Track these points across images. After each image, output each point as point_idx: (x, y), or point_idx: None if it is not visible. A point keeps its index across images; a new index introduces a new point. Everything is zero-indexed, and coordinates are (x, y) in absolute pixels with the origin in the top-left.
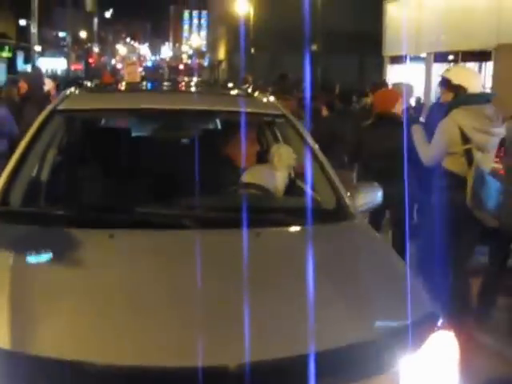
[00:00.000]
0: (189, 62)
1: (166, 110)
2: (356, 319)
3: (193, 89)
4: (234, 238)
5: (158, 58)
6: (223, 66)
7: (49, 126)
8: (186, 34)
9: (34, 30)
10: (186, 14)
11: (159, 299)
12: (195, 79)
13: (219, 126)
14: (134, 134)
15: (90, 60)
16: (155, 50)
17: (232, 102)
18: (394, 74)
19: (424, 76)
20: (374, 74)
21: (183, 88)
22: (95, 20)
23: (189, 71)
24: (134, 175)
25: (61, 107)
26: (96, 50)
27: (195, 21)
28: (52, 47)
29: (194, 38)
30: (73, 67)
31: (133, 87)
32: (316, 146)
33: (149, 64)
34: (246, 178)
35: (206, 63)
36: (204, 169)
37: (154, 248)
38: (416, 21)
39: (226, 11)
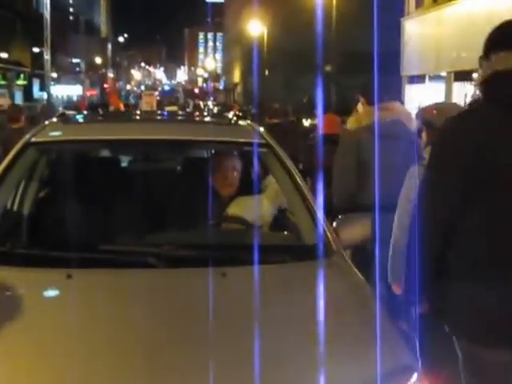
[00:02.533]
0: (204, 85)
1: (142, 141)
2: (315, 377)
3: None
4: (198, 278)
5: (173, 82)
6: (238, 88)
7: (21, 158)
8: (201, 56)
9: (47, 56)
10: (201, 36)
11: (107, 347)
12: (210, 103)
13: (200, 156)
14: (107, 166)
15: (105, 85)
16: (171, 74)
17: (213, 132)
18: (412, 94)
19: (444, 95)
20: (391, 94)
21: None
22: (109, 45)
23: (204, 95)
24: (104, 209)
25: (34, 139)
26: (111, 75)
27: (210, 43)
28: (67, 73)
29: (209, 61)
30: (88, 93)
31: (117, 117)
32: (299, 178)
33: (166, 88)
34: (231, 209)
35: (221, 86)
36: (183, 201)
37: (113, 290)
38: (435, 38)
39: (240, 33)
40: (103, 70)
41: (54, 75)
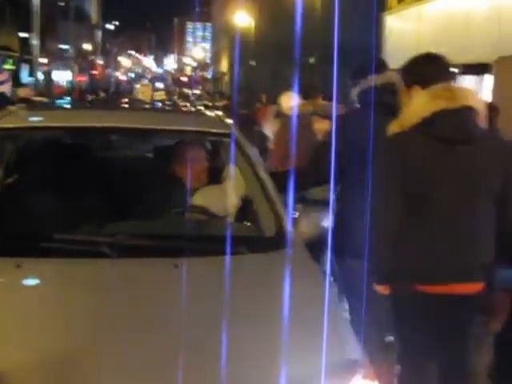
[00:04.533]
0: (192, 74)
1: (103, 128)
2: (259, 370)
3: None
4: (149, 269)
5: (162, 70)
6: (226, 78)
7: None
8: (189, 46)
9: (35, 42)
10: (190, 26)
11: (50, 337)
12: (197, 91)
13: (163, 145)
14: (66, 154)
15: (94, 72)
16: (160, 62)
17: (176, 121)
18: None
19: None
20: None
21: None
22: (99, 32)
23: (191, 83)
24: (62, 197)
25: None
26: (100, 62)
27: (199, 33)
28: (57, 59)
29: (198, 51)
30: (77, 79)
31: (83, 104)
32: (261, 169)
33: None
34: (195, 199)
35: (209, 75)
36: (144, 191)
37: (60, 279)
38: (415, 33)
39: (227, 24)
40: (92, 57)
41: (44, 61)
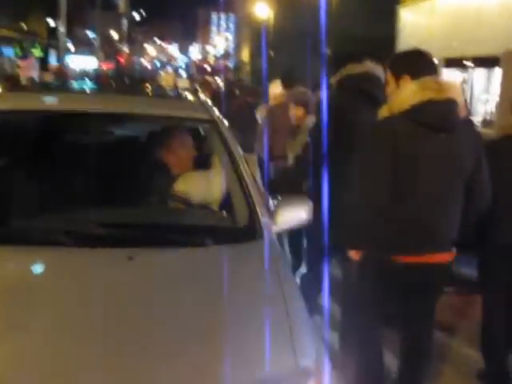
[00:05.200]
0: (215, 63)
1: (81, 112)
2: (200, 375)
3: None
4: (102, 260)
5: (186, 58)
6: (247, 67)
7: None
8: (213, 35)
9: (61, 28)
10: (214, 16)
11: None
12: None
13: (143, 131)
14: (39, 138)
15: (120, 59)
16: (184, 50)
17: (155, 105)
18: None
19: None
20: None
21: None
22: (125, 21)
23: (214, 72)
24: (28, 184)
25: None
26: (126, 49)
27: (223, 23)
28: (84, 46)
29: (221, 40)
30: (103, 66)
31: (64, 87)
32: (239, 156)
33: (181, 65)
34: (178, 186)
35: (231, 65)
36: (121, 177)
37: (11, 268)
38: (428, 27)
39: (248, 15)
40: (118, 45)
41: (71, 47)
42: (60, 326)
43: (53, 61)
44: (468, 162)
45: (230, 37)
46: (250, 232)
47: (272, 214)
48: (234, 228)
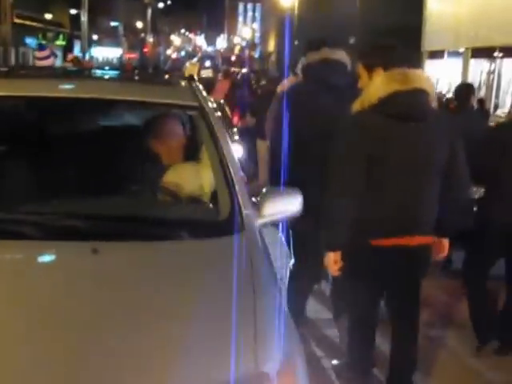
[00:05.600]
0: (241, 53)
1: (55, 99)
2: (145, 373)
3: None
4: (65, 253)
5: (212, 48)
6: (272, 57)
7: None
8: (240, 26)
9: (84, 18)
10: (241, 6)
11: None
12: (244, 70)
13: (125, 118)
14: (15, 126)
15: (145, 50)
16: (211, 41)
17: (139, 91)
18: (432, 69)
19: (461, 72)
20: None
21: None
22: (149, 11)
23: (240, 62)
24: (6, 173)
25: None
26: (150, 40)
27: (250, 13)
28: (108, 36)
29: (246, 30)
30: (127, 56)
31: (43, 73)
32: (226, 146)
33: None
34: (168, 177)
35: (256, 55)
36: (105, 167)
37: None
38: (455, 15)
39: (274, 4)
40: (142, 35)
41: (95, 37)
42: (15, 318)
43: (77, 51)
44: (440, 149)
45: (257, 27)
46: (230, 225)
47: (258, 206)
48: (213, 221)
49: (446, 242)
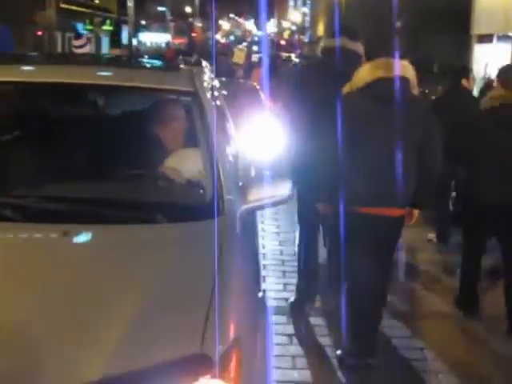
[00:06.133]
0: (290, 37)
1: (51, 84)
2: (87, 357)
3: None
4: (37, 236)
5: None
6: (321, 42)
7: None
8: (290, 10)
9: (130, 3)
10: None
11: None
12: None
13: (119, 103)
14: (16, 111)
15: (193, 34)
16: (261, 25)
17: (134, 77)
18: (480, 54)
19: (510, 56)
20: (460, 54)
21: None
22: None
23: (289, 47)
24: (6, 156)
25: None
26: (199, 24)
27: None
28: (156, 21)
29: (296, 14)
30: (175, 41)
31: (50, 59)
32: (217, 133)
33: (256, 39)
34: (168, 162)
35: (306, 39)
36: (97, 151)
37: None
38: None
39: None
40: (191, 19)
41: (143, 22)
42: None
43: (125, 37)
44: (416, 130)
45: (307, 11)
46: (207, 210)
47: (244, 191)
48: (190, 206)
49: (415, 212)
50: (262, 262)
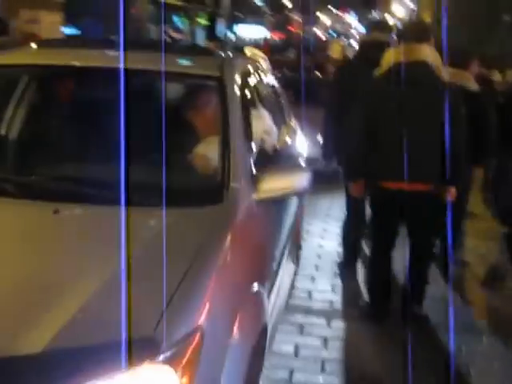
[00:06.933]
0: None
1: (76, 68)
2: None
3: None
4: (27, 213)
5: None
6: None
7: None
8: (393, 3)
9: None
10: None
11: None
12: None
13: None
14: (44, 93)
15: (291, 28)
16: (362, 19)
17: (159, 61)
18: None
19: None
20: None
21: None
22: None
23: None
24: (30, 137)
25: None
26: (298, 18)
27: None
28: (253, 14)
29: (399, 8)
30: (275, 36)
31: (92, 43)
32: (234, 118)
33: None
34: (198, 148)
35: None
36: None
37: None
38: None
39: None
40: (289, 14)
41: (239, 16)
42: None
43: (221, 30)
44: (439, 110)
45: (411, 4)
46: (207, 197)
47: (258, 181)
48: (192, 191)
49: (452, 189)
50: (316, 261)
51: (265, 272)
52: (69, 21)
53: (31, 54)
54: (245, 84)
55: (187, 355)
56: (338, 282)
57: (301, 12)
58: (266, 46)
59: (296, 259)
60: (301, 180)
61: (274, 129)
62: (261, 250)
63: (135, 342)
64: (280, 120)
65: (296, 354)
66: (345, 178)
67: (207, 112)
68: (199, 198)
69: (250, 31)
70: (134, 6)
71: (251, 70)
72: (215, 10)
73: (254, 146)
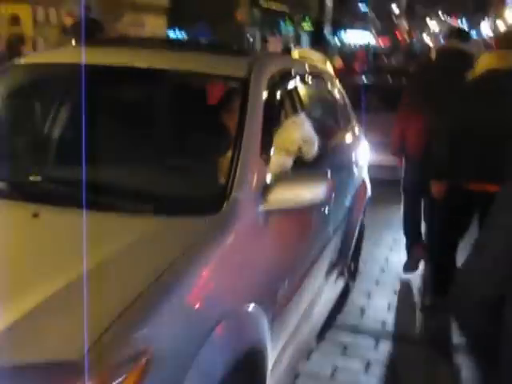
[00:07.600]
0: None
1: (113, 68)
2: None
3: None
4: (8, 214)
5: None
6: None
7: (3, 77)
8: (508, 9)
9: (329, 3)
10: None
11: None
12: None
13: (167, 88)
14: (77, 94)
15: (396, 34)
16: (474, 25)
17: (189, 62)
18: None
19: None
20: None
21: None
22: None
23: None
24: (49, 139)
25: (22, 61)
26: (405, 24)
27: None
28: (359, 20)
29: (509, 13)
30: (381, 42)
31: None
32: (250, 123)
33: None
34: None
35: None
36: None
37: None
38: None
39: None
40: (395, 19)
41: (344, 21)
42: None
43: (326, 35)
44: None
45: None
46: (206, 206)
47: (268, 191)
48: (194, 199)
49: None
50: (378, 276)
51: (266, 290)
52: (174, 24)
53: (77, 53)
54: (276, 87)
55: (125, 382)
56: (395, 299)
57: (409, 18)
58: (361, 53)
59: (349, 273)
60: (317, 190)
61: (316, 137)
62: (263, 265)
63: (54, 367)
64: (332, 127)
65: (332, 377)
66: (424, 177)
67: (230, 114)
68: (196, 207)
69: (356, 36)
70: (237, 10)
71: (291, 73)
72: (320, 16)
73: (272, 153)
